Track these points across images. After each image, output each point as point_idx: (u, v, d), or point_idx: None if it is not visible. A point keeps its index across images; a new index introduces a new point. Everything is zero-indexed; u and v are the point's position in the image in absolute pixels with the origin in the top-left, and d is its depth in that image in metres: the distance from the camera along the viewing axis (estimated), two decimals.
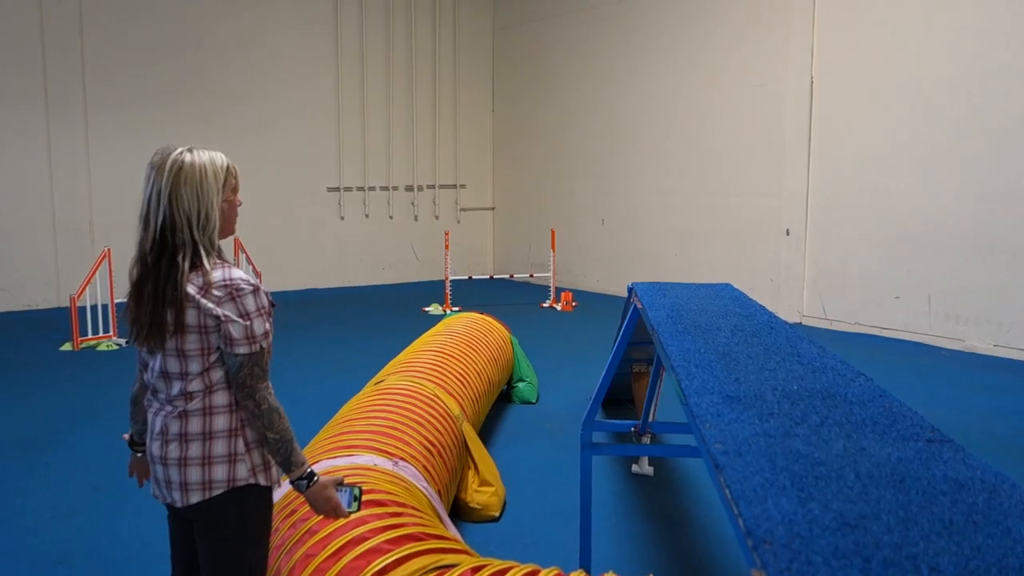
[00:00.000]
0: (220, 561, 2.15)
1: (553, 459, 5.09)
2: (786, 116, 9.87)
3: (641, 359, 5.15)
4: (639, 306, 3.46)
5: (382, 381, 4.56)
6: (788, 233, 9.95)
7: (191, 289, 2.04)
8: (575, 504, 3.60)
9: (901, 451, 1.60)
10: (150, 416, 2.16)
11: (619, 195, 12.40)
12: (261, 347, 2.08)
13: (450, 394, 4.52)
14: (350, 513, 2.23)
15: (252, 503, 2.15)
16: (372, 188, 13.75)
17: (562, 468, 4.85)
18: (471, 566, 2.45)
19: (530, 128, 14.11)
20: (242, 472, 2.11)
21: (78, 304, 8.39)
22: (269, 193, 12.04)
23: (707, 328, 2.89)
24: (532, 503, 4.41)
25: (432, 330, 6.04)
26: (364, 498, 2.59)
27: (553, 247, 11.80)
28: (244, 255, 9.58)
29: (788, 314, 9.76)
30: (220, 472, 2.09)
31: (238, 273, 2.09)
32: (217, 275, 2.06)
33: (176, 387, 2.09)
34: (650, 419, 4.22)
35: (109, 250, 8.67)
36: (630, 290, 3.93)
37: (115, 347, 8.45)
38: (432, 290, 12.24)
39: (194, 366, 2.08)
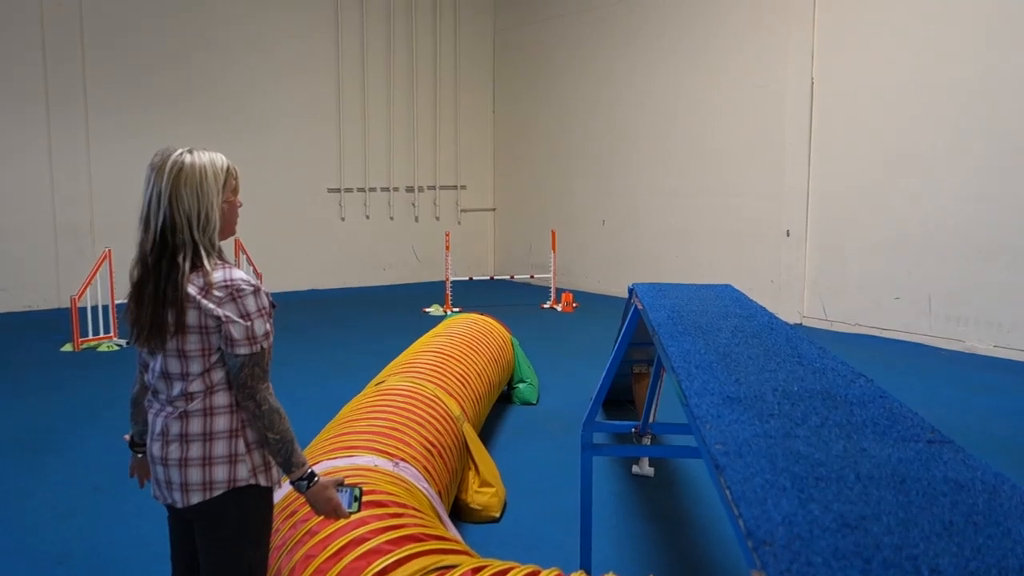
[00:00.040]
0: (220, 562, 2.15)
1: (554, 460, 5.09)
2: (786, 117, 9.87)
3: (642, 360, 5.15)
4: (639, 307, 3.46)
5: (383, 382, 4.56)
6: (788, 234, 9.95)
7: (192, 290, 2.04)
8: (575, 505, 3.60)
9: (901, 452, 1.60)
10: (150, 417, 2.16)
11: (620, 196, 12.40)
12: (262, 348, 2.08)
13: (451, 395, 4.52)
14: (350, 514, 2.23)
15: (253, 504, 2.15)
16: (373, 189, 13.75)
17: (562, 469, 4.85)
18: (472, 567, 2.45)
19: (531, 129, 14.12)
20: (243, 473, 2.11)
21: (79, 305, 8.39)
22: (270, 194, 12.05)
23: (707, 329, 2.89)
24: (533, 504, 4.41)
25: (433, 331, 6.04)
26: (364, 499, 2.59)
27: (554, 248, 11.80)
28: (245, 256, 9.59)
29: (788, 315, 9.76)
30: (221, 473, 2.09)
31: (239, 274, 2.09)
32: (218, 276, 2.06)
33: (177, 388, 2.09)
34: (650, 420, 4.22)
35: (110, 251, 8.68)
36: (630, 291, 3.93)
37: (116, 348, 8.46)
38: (433, 291, 12.24)
39: (195, 367, 2.08)
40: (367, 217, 13.74)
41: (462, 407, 4.55)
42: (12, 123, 10.75)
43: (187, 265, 2.04)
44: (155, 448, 2.13)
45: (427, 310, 10.90)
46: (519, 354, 6.55)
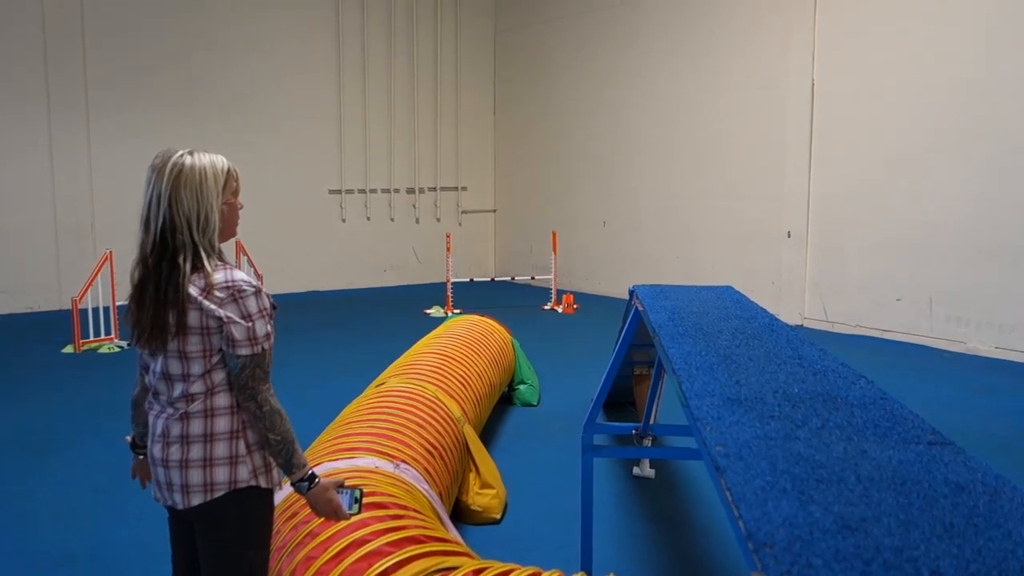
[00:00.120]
0: (221, 563, 2.15)
1: (554, 461, 5.09)
2: (787, 118, 9.87)
3: (642, 361, 5.15)
4: (640, 308, 3.46)
5: (383, 383, 4.56)
6: (789, 235, 9.95)
7: (193, 290, 2.04)
8: (576, 506, 3.60)
9: (902, 454, 1.60)
10: (151, 419, 2.17)
11: (621, 197, 12.41)
12: (263, 348, 2.08)
13: (451, 396, 4.52)
14: (351, 515, 2.23)
15: (253, 505, 2.15)
16: (374, 190, 13.76)
17: (563, 470, 4.85)
18: (472, 568, 2.45)
19: (531, 130, 14.12)
20: (243, 474, 2.11)
21: (80, 306, 8.39)
22: (271, 195, 12.05)
23: (708, 331, 2.89)
24: (533, 505, 4.41)
25: (433, 332, 6.04)
26: (365, 500, 2.59)
27: (554, 249, 11.80)
28: (246, 257, 9.59)
29: (789, 316, 9.76)
30: (221, 474, 2.09)
31: (240, 275, 2.10)
32: (219, 277, 2.06)
33: (178, 389, 2.10)
34: (651, 421, 4.22)
35: (111, 252, 8.68)
36: (631, 292, 3.93)
37: (117, 349, 8.46)
38: (433, 292, 12.24)
39: (196, 368, 2.08)
40: (368, 218, 13.74)
41: (463, 409, 4.55)
42: (13, 124, 10.76)
43: (188, 266, 2.05)
44: (156, 450, 2.13)
45: (428, 311, 10.90)
46: (520, 356, 6.55)
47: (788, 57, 9.80)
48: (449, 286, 11.05)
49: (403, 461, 3.43)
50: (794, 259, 9.92)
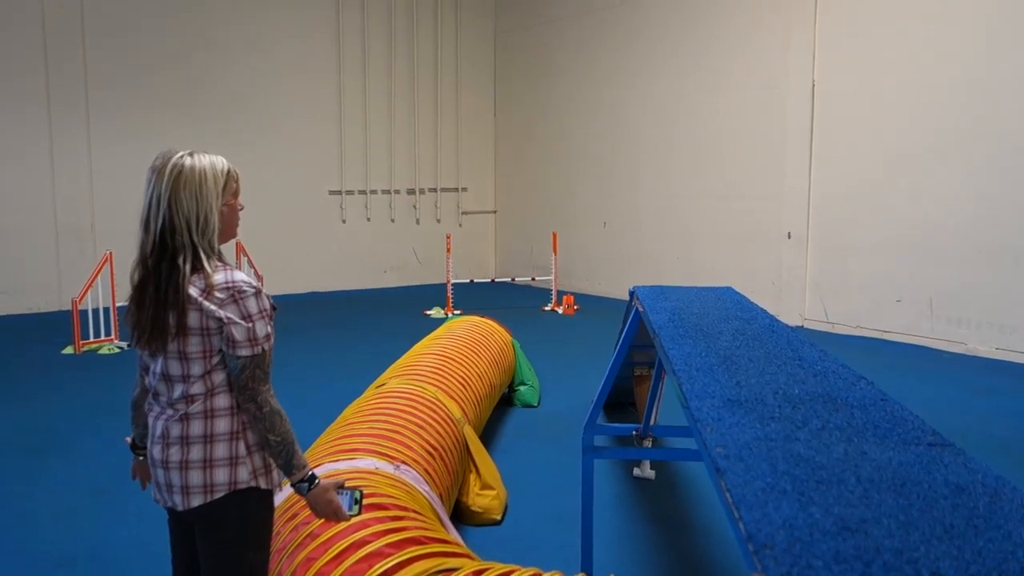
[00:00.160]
0: (221, 564, 2.15)
1: (555, 462, 5.09)
2: (788, 119, 9.87)
3: (643, 362, 5.15)
4: (640, 309, 3.46)
5: (384, 384, 4.56)
6: (790, 236, 9.95)
7: (193, 291, 2.04)
8: (577, 507, 3.60)
9: (902, 455, 1.60)
10: (151, 420, 2.16)
11: (621, 198, 12.41)
12: (263, 349, 2.08)
13: (452, 397, 4.52)
14: (351, 516, 2.23)
15: (253, 506, 2.15)
16: (374, 191, 13.76)
17: (564, 471, 4.85)
18: (473, 569, 2.45)
19: (532, 131, 14.12)
20: (243, 475, 2.11)
21: (80, 307, 8.40)
22: (271, 196, 12.05)
23: (708, 332, 2.89)
24: (534, 506, 4.40)
25: (434, 333, 6.04)
26: (365, 501, 2.59)
27: (555, 250, 11.80)
28: (246, 258, 9.59)
29: (790, 317, 9.75)
30: (221, 475, 2.09)
31: (240, 275, 2.10)
32: (219, 277, 2.06)
33: (178, 390, 2.10)
34: (652, 423, 4.22)
35: (111, 253, 8.68)
36: (631, 293, 3.93)
37: (117, 350, 8.46)
38: (434, 293, 12.24)
39: (196, 368, 2.08)
40: (368, 219, 13.75)
41: (463, 410, 4.55)
42: (13, 124, 10.77)
43: (187, 268, 2.05)
44: (155, 451, 2.13)
45: (428, 312, 10.90)
46: (520, 356, 6.55)
47: (788, 57, 9.80)
48: (449, 287, 11.05)
49: (403, 462, 3.43)
50: (794, 259, 9.92)
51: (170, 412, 2.11)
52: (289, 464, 2.13)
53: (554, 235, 11.94)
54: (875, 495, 1.39)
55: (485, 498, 4.21)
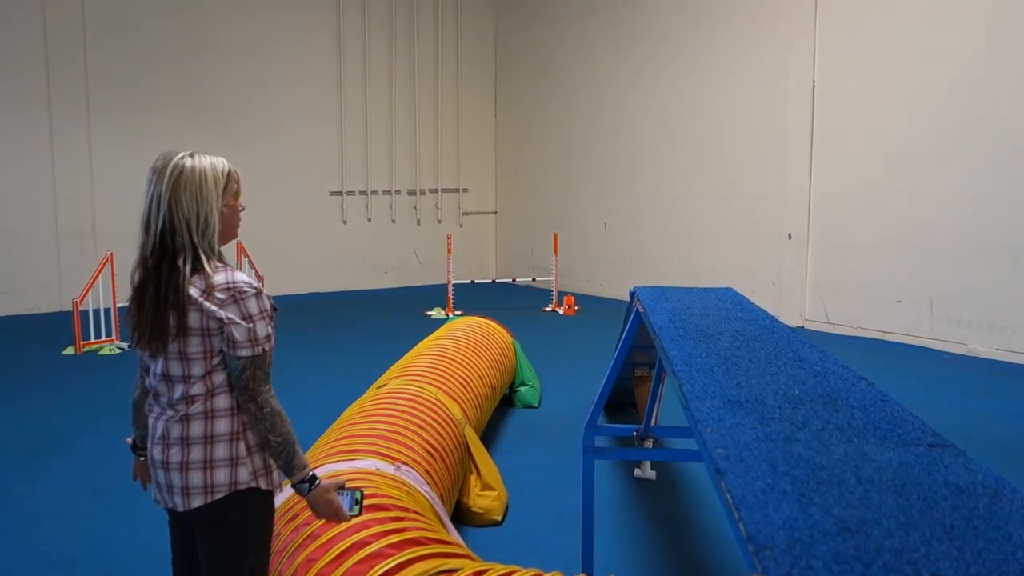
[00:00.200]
0: (221, 565, 2.15)
1: (555, 463, 5.09)
2: (788, 120, 9.87)
3: (643, 363, 5.15)
4: (641, 310, 3.46)
5: (384, 385, 4.56)
6: (790, 237, 9.95)
7: (194, 292, 2.04)
8: (577, 508, 3.60)
9: (902, 456, 1.60)
10: (151, 421, 2.16)
11: (622, 198, 12.41)
12: (264, 350, 2.08)
13: (452, 398, 4.52)
14: (352, 517, 2.23)
15: (253, 507, 2.15)
16: (375, 192, 13.76)
17: (564, 472, 4.85)
18: (474, 570, 2.45)
19: (533, 132, 14.13)
20: (243, 476, 2.11)
21: (81, 308, 8.40)
22: (272, 197, 12.06)
23: (709, 332, 2.89)
24: (534, 507, 4.40)
25: (434, 334, 6.04)
26: (366, 502, 2.59)
27: (555, 251, 11.80)
28: (247, 258, 9.59)
29: (790, 318, 9.75)
30: (222, 476, 2.09)
31: (241, 276, 2.10)
32: (220, 278, 2.06)
33: (178, 390, 2.10)
34: (652, 423, 4.22)
35: (112, 254, 8.69)
36: (632, 294, 3.93)
37: (117, 351, 8.47)
38: (434, 294, 12.24)
39: (196, 369, 2.08)
40: (369, 220, 13.75)
41: (464, 410, 4.55)
42: (14, 125, 10.78)
43: (187, 268, 2.05)
44: (156, 452, 2.13)
45: (429, 313, 10.90)
46: (521, 357, 6.55)
47: (789, 58, 9.80)
48: (450, 288, 11.05)
49: (404, 463, 3.43)
50: (795, 260, 9.92)
51: (170, 413, 2.11)
52: (290, 465, 2.13)
53: (555, 236, 11.94)
54: (875, 496, 1.39)
55: (486, 499, 4.21)
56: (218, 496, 2.09)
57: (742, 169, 10.51)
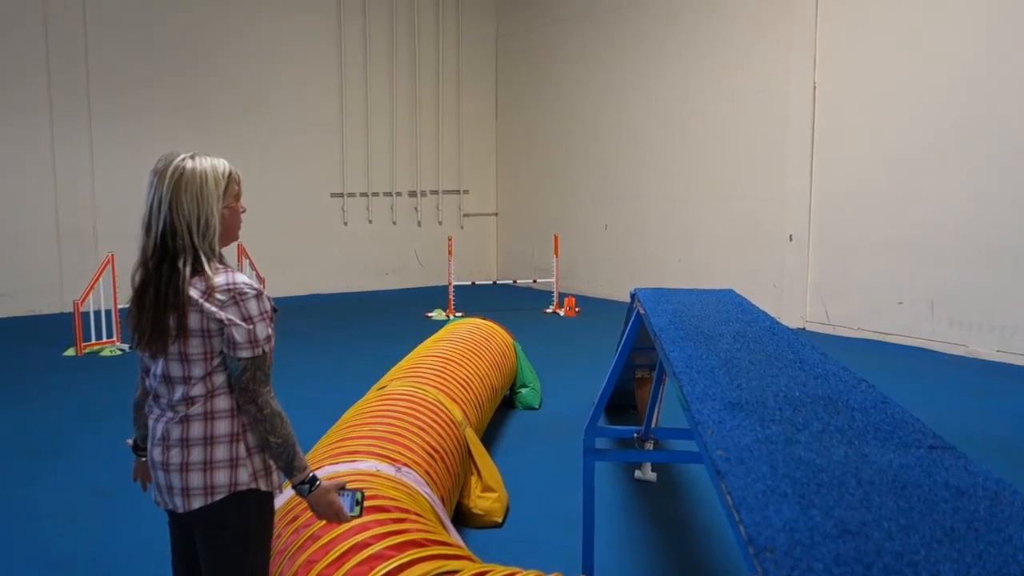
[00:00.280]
0: (221, 566, 2.15)
1: (556, 464, 5.09)
2: (789, 121, 9.87)
3: (644, 364, 5.14)
4: (641, 312, 3.46)
5: (385, 386, 4.56)
6: (791, 238, 9.95)
7: (194, 293, 2.05)
8: (578, 509, 3.60)
9: (903, 458, 1.60)
10: (151, 422, 2.16)
11: (622, 200, 12.41)
12: (264, 351, 2.08)
13: (453, 399, 4.52)
14: (352, 518, 2.23)
15: (253, 508, 2.15)
16: (375, 194, 13.77)
17: (565, 473, 4.85)
18: (474, 572, 2.45)
19: (533, 133, 14.13)
20: (244, 477, 2.11)
21: (82, 309, 8.41)
22: (273, 199, 12.07)
23: (709, 334, 2.89)
24: (535, 508, 4.40)
25: (435, 335, 6.04)
26: (366, 503, 2.58)
27: (556, 252, 11.80)
28: (248, 260, 9.60)
29: (791, 319, 9.75)
30: (222, 477, 2.09)
31: (241, 277, 2.10)
32: (220, 279, 2.07)
33: (178, 391, 2.10)
34: (653, 425, 4.22)
35: (112, 256, 8.69)
36: (632, 295, 3.93)
37: (118, 352, 8.47)
38: (435, 295, 12.24)
39: (197, 370, 2.08)
40: (370, 222, 13.76)
41: (464, 412, 4.55)
42: (16, 128, 10.79)
43: (188, 270, 2.05)
44: (156, 453, 2.13)
45: (430, 315, 10.90)
46: (522, 359, 6.55)
47: (790, 59, 9.81)
48: (451, 289, 11.05)
49: (405, 464, 3.43)
50: (795, 262, 9.91)
51: (170, 414, 2.11)
52: (290, 466, 2.13)
53: (555, 237, 11.95)
54: (876, 498, 1.39)
55: (486, 500, 4.21)
56: (218, 497, 2.09)
57: (743, 170, 10.51)
